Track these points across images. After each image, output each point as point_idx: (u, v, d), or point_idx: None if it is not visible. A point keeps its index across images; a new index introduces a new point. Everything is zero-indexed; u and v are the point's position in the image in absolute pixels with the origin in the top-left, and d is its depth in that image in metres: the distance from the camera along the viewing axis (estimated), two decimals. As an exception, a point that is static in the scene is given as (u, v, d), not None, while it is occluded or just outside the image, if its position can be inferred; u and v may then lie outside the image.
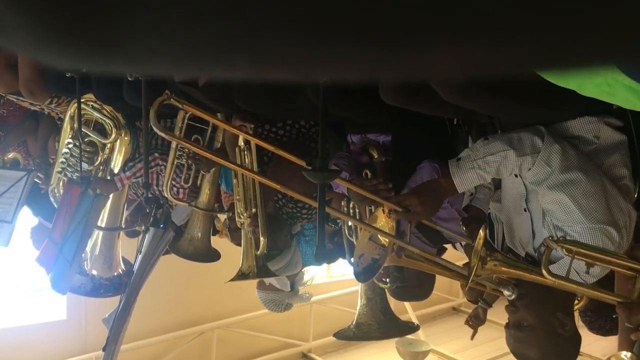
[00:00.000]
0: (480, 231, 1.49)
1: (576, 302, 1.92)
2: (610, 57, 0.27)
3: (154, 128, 1.78)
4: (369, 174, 2.11)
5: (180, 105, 1.97)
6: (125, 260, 3.12)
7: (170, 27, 0.23)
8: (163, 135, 1.88)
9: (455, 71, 0.27)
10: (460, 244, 2.18)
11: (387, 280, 2.23)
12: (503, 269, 1.50)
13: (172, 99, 1.91)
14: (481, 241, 1.47)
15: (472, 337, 2.22)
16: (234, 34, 0.23)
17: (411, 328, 2.82)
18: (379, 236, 1.73)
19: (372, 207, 2.04)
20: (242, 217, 2.34)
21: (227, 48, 0.23)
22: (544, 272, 1.43)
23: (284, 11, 0.22)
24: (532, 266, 1.52)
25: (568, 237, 1.46)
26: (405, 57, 0.24)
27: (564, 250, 1.44)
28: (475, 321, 2.19)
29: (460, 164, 1.58)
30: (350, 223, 2.35)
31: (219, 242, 3.02)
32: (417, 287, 2.30)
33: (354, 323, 2.58)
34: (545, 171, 1.49)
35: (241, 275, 2.46)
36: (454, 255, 2.30)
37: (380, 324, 2.56)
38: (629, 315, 1.42)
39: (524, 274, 1.51)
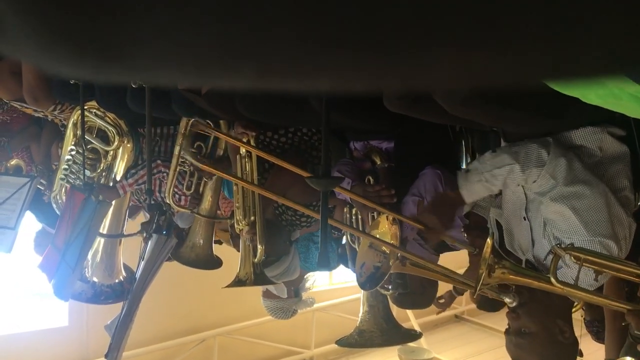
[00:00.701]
0: (488, 240, 1.50)
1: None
2: (621, 67, 0.27)
3: (191, 160, 1.79)
4: (371, 180, 2.11)
5: (208, 132, 2.00)
6: (126, 267, 3.12)
7: (175, 34, 0.23)
8: (199, 165, 1.90)
9: (459, 80, 0.27)
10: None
11: (390, 287, 2.22)
12: (511, 276, 1.51)
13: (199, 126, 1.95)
14: (489, 249, 1.48)
15: (438, 313, 2.45)
16: (238, 41, 0.23)
17: (413, 335, 2.81)
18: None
19: (375, 214, 2.04)
20: (240, 224, 2.34)
21: (231, 55, 0.24)
22: (552, 280, 1.43)
23: (289, 19, 0.22)
24: (540, 274, 1.53)
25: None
26: (410, 65, 0.24)
27: (572, 258, 1.44)
28: (443, 304, 2.37)
29: (468, 176, 1.61)
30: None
31: (221, 250, 3.02)
32: (419, 294, 2.29)
33: (356, 330, 2.57)
34: (550, 183, 1.50)
35: (238, 282, 2.46)
36: (456, 257, 2.29)
37: (383, 331, 2.55)
38: (637, 322, 1.43)
39: (532, 282, 1.51)
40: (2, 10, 0.22)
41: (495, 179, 1.56)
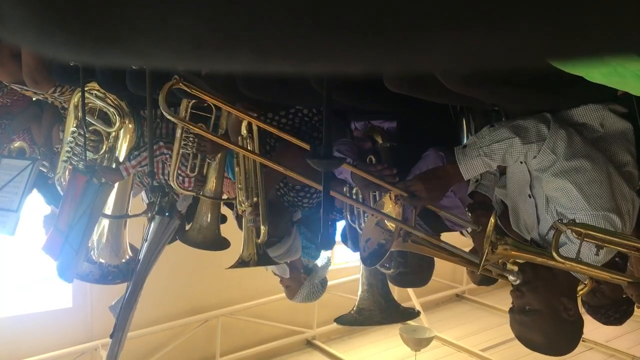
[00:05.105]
0: (491, 217, 1.50)
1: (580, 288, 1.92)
2: (626, 46, 0.26)
3: (164, 113, 1.79)
4: (373, 159, 2.11)
5: (189, 90, 1.97)
6: (132, 248, 3.14)
7: (172, 19, 0.23)
8: (172, 119, 1.88)
9: (459, 62, 0.27)
10: (467, 230, 2.18)
11: (390, 265, 2.23)
12: (513, 252, 1.51)
13: (181, 84, 1.91)
14: (492, 227, 1.48)
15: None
16: (234, 24, 0.23)
17: (412, 314, 2.85)
18: (385, 221, 1.74)
19: (376, 193, 2.05)
20: (243, 205, 2.34)
21: (228, 40, 0.23)
22: (554, 254, 1.44)
23: (285, 2, 0.22)
24: (542, 249, 1.53)
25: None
26: (408, 47, 0.24)
27: (573, 233, 1.44)
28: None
29: (466, 152, 1.59)
30: (354, 211, 2.35)
31: (225, 231, 3.03)
32: (417, 273, 2.31)
33: (355, 308, 2.59)
34: (550, 158, 1.49)
35: (241, 263, 2.47)
36: (460, 242, 2.30)
37: (382, 310, 2.58)
38: (637, 294, 1.44)
39: (534, 257, 1.52)
40: None
41: (494, 153, 1.54)
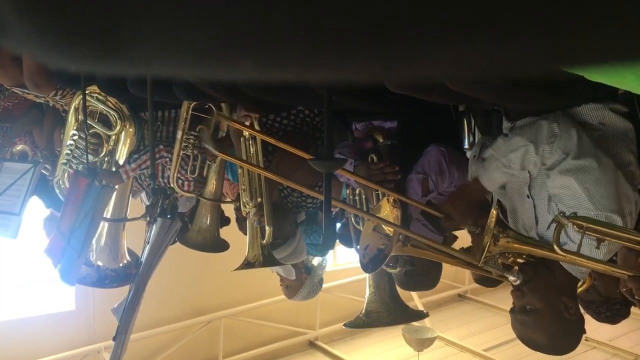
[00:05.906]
0: (493, 210, 1.52)
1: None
2: (629, 55, 0.26)
3: (209, 148, 1.80)
4: (374, 158, 2.11)
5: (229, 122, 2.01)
6: (130, 252, 3.14)
7: (175, 30, 0.23)
8: (217, 154, 1.93)
9: (462, 71, 0.27)
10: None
11: (395, 265, 2.23)
12: (515, 245, 1.52)
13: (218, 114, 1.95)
14: (494, 219, 1.49)
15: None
16: (237, 34, 0.23)
17: (420, 314, 2.85)
18: (383, 226, 1.74)
19: (379, 193, 2.05)
20: (247, 206, 2.34)
21: (230, 50, 0.24)
22: (555, 247, 1.45)
23: (288, 13, 0.22)
24: (543, 242, 1.54)
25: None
26: (411, 56, 0.24)
27: (574, 226, 1.45)
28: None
29: (485, 165, 1.63)
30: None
31: (227, 232, 3.03)
32: (424, 275, 2.30)
33: (363, 311, 2.59)
34: (560, 157, 1.51)
35: (247, 264, 2.47)
36: (462, 241, 2.30)
37: (390, 311, 2.57)
38: (638, 288, 1.44)
39: (535, 250, 1.53)
40: (1, 7, 0.22)
41: (512, 162, 1.58)
